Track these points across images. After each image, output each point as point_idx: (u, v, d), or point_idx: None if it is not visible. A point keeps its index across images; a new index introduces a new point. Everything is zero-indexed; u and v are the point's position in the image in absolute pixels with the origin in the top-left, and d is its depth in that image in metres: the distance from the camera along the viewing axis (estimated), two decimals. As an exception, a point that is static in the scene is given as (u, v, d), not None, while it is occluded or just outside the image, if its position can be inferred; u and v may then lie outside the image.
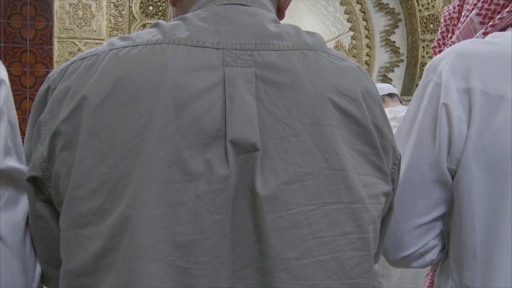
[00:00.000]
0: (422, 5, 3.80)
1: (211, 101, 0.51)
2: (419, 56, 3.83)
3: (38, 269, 0.63)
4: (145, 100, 0.50)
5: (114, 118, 0.50)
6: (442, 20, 0.95)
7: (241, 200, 0.51)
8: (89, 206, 0.49)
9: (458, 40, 0.85)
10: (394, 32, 3.98)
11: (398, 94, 2.43)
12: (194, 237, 0.49)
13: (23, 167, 0.61)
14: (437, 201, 0.76)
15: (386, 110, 2.21)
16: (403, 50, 3.98)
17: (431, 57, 3.82)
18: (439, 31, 0.96)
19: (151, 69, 0.51)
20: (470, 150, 0.69)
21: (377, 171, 0.58)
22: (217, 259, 0.50)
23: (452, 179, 0.74)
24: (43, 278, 0.64)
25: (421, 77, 3.86)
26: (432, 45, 0.97)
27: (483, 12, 0.81)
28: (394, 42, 3.98)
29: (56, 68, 0.57)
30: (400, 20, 3.96)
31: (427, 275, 0.87)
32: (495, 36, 0.75)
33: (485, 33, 0.79)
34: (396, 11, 3.95)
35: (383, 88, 2.34)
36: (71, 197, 0.50)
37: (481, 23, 0.82)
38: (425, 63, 3.82)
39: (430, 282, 0.84)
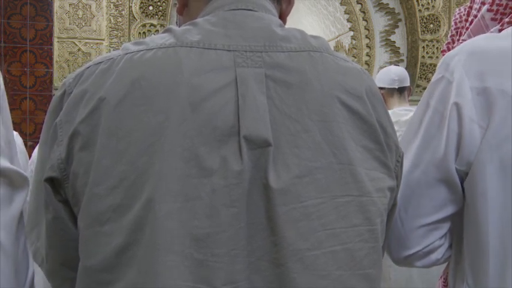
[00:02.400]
0: (422, 5, 3.80)
1: (224, 99, 0.54)
2: (419, 56, 3.83)
3: (31, 270, 0.62)
4: (161, 100, 0.52)
5: (132, 117, 0.52)
6: (452, 23, 0.94)
7: (255, 193, 0.53)
8: (108, 203, 0.51)
9: (470, 38, 0.83)
10: (394, 32, 3.98)
11: (409, 81, 2.34)
12: (211, 230, 0.51)
13: (15, 168, 0.61)
14: (442, 202, 0.74)
15: (390, 112, 2.18)
16: (403, 50, 3.98)
17: (431, 57, 3.82)
18: (450, 34, 0.95)
19: (166, 70, 0.54)
20: (485, 152, 0.67)
21: (382, 166, 0.60)
22: (234, 251, 0.51)
23: (462, 181, 0.72)
24: (53, 283, 0.63)
25: (421, 77, 3.87)
26: (442, 49, 0.96)
27: (494, 8, 0.80)
28: (394, 42, 3.98)
29: (71, 74, 0.59)
30: (400, 20, 3.96)
31: (441, 277, 0.86)
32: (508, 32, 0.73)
33: (500, 30, 0.78)
34: (396, 11, 3.95)
35: (394, 80, 2.27)
36: (90, 195, 0.52)
37: (493, 19, 0.80)
38: (425, 63, 3.83)
39: (443, 285, 0.83)
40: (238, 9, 0.61)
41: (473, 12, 0.84)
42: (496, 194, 0.68)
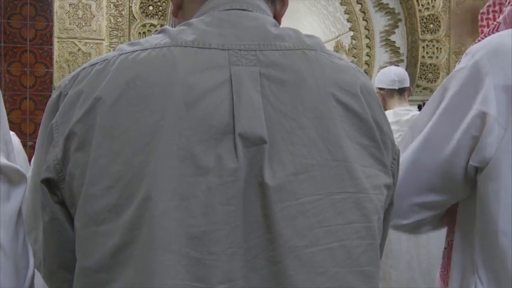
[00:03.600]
0: (422, 5, 3.80)
1: (219, 98, 0.54)
2: (419, 56, 3.83)
3: (31, 268, 0.62)
4: (156, 99, 0.53)
5: (127, 117, 0.52)
6: None
7: (251, 191, 0.53)
8: (104, 203, 0.51)
9: (505, 22, 0.80)
10: (394, 32, 3.98)
11: (409, 82, 2.36)
12: (207, 229, 0.51)
13: (13, 164, 0.61)
14: (438, 188, 0.76)
15: (390, 112, 2.18)
16: (403, 50, 3.98)
17: (431, 57, 3.82)
18: (487, 4, 0.90)
19: (161, 70, 0.54)
20: (503, 151, 0.66)
21: (378, 163, 0.60)
22: (230, 249, 0.51)
23: (470, 176, 0.72)
24: (51, 285, 0.64)
25: (421, 77, 3.87)
26: (481, 11, 0.90)
27: None
28: (394, 42, 3.98)
29: (67, 76, 0.59)
30: (400, 20, 3.96)
31: (440, 269, 0.86)
32: None
33: None
34: (396, 11, 3.95)
35: (394, 81, 2.27)
36: (86, 195, 0.52)
37: None
38: (425, 63, 3.83)
39: (444, 275, 0.83)
40: (232, 9, 0.61)
41: None
42: (509, 194, 0.67)
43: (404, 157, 0.77)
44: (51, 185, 0.56)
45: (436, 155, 0.73)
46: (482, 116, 0.68)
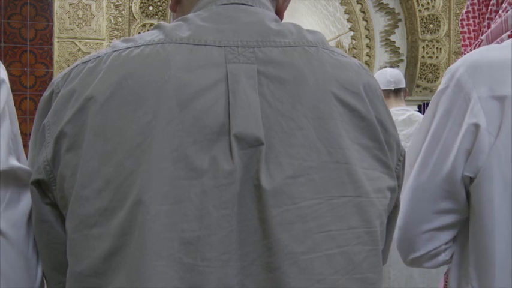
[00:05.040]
0: (422, 5, 3.80)
1: (214, 97, 0.51)
2: (419, 56, 3.83)
3: (41, 268, 0.63)
4: (149, 98, 0.50)
5: (119, 117, 0.50)
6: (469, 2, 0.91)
7: (246, 195, 0.50)
8: (95, 206, 0.49)
9: (487, 39, 0.82)
10: (394, 32, 3.98)
11: (404, 83, 2.38)
12: (201, 233, 0.49)
13: (23, 165, 0.61)
14: (445, 210, 0.75)
15: None
16: (403, 50, 3.98)
17: (431, 57, 3.82)
18: (469, 2, 0.91)
19: (154, 67, 0.52)
20: (494, 159, 0.68)
21: (381, 165, 0.57)
22: (225, 255, 0.49)
23: (467, 188, 0.73)
24: (47, 285, 0.64)
25: (420, 77, 3.87)
26: (461, 18, 0.92)
27: None
28: (394, 42, 3.98)
29: (59, 73, 0.57)
30: (400, 20, 3.96)
31: (444, 277, 0.86)
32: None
33: (510, 36, 0.77)
34: (396, 11, 3.95)
35: (390, 82, 2.28)
36: (77, 197, 0.50)
37: None
38: (425, 63, 3.83)
39: (445, 283, 0.83)
40: (231, 4, 0.59)
41: (506, 5, 0.81)
42: (503, 200, 0.68)
43: (405, 186, 0.77)
44: (42, 187, 0.55)
45: (436, 176, 0.74)
46: (474, 128, 0.69)
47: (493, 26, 0.82)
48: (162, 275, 0.47)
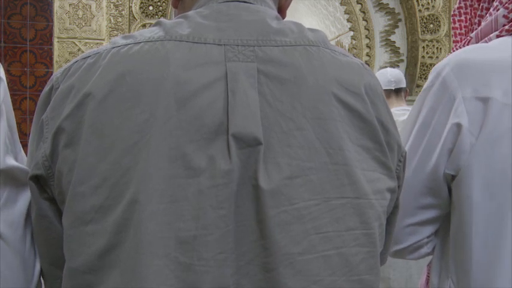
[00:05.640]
0: (422, 5, 3.80)
1: (213, 95, 0.51)
2: (419, 56, 3.83)
3: (38, 267, 0.62)
4: (147, 96, 0.50)
5: (117, 114, 0.50)
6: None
7: (244, 194, 0.50)
8: (91, 203, 0.49)
9: (476, 37, 0.82)
10: (394, 32, 3.98)
11: (405, 83, 2.38)
12: (197, 233, 0.49)
13: (20, 165, 0.61)
14: (426, 205, 0.77)
15: None
16: (403, 50, 3.98)
17: (431, 57, 3.82)
18: (457, 6, 0.92)
19: (153, 65, 0.52)
20: (474, 158, 0.69)
21: (381, 167, 0.57)
22: (221, 255, 0.49)
23: (449, 184, 0.75)
24: (45, 282, 0.64)
25: (421, 77, 3.87)
26: (452, 13, 0.93)
27: (511, 16, 0.77)
28: (394, 42, 3.98)
29: (60, 69, 0.57)
30: (400, 20, 3.96)
31: (426, 266, 0.88)
32: (500, 42, 0.75)
33: (498, 36, 0.77)
34: (396, 11, 3.95)
35: (390, 81, 2.28)
36: (73, 194, 0.50)
37: (505, 16, 0.78)
38: (425, 63, 3.82)
39: (427, 274, 0.85)
40: (232, 1, 0.58)
41: (497, 4, 0.81)
42: (482, 198, 0.70)
43: None
44: (41, 182, 0.55)
45: (419, 173, 0.76)
46: (456, 128, 0.70)
47: (483, 24, 0.82)
48: (158, 274, 0.47)
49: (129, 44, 0.54)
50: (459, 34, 0.91)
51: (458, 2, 0.92)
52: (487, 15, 0.82)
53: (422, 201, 0.77)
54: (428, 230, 0.80)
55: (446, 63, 0.74)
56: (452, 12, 0.93)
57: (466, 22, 0.90)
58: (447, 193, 0.76)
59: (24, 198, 0.60)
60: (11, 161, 0.60)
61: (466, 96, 0.70)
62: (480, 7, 0.86)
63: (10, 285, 0.58)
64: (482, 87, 0.70)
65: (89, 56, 0.55)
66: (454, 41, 0.92)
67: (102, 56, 0.54)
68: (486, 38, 0.80)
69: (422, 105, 0.76)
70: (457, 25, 0.91)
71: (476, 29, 0.85)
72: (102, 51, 0.54)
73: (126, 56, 0.53)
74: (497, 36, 0.78)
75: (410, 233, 0.79)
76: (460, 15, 0.91)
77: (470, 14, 0.89)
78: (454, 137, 0.71)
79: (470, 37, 0.84)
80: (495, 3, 0.81)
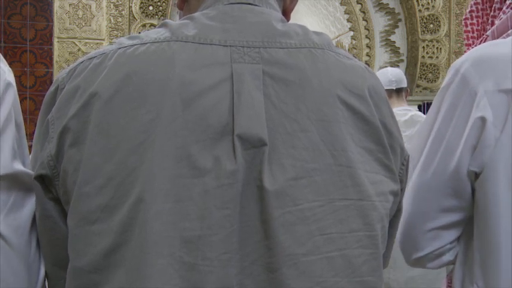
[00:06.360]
0: (422, 5, 3.79)
1: (218, 96, 0.51)
2: (419, 56, 3.83)
3: (42, 272, 0.62)
4: (152, 96, 0.51)
5: (122, 114, 0.50)
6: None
7: (249, 195, 0.50)
8: (97, 203, 0.50)
9: (493, 35, 0.81)
10: (394, 32, 3.98)
11: (406, 83, 2.36)
12: (202, 233, 0.49)
13: (27, 169, 0.61)
14: (450, 207, 0.75)
15: None
16: (403, 50, 3.98)
17: (431, 57, 3.82)
18: (473, 1, 0.91)
19: (159, 65, 0.52)
20: (499, 153, 0.67)
21: (384, 169, 0.57)
22: (225, 255, 0.49)
23: (472, 184, 0.72)
24: (49, 282, 0.64)
25: (421, 77, 3.87)
26: (464, 17, 0.92)
27: None
28: (394, 42, 3.98)
29: (65, 69, 0.57)
30: (400, 20, 3.96)
31: (446, 277, 0.85)
32: None
33: None
34: (396, 11, 3.95)
35: (391, 81, 2.26)
36: (79, 193, 0.51)
37: None
38: (425, 63, 3.82)
39: (448, 285, 0.82)
40: (237, 3, 0.59)
41: (504, 7, 0.81)
42: (508, 195, 0.67)
43: (409, 185, 0.76)
44: (45, 182, 0.55)
45: (441, 173, 0.73)
46: (481, 122, 0.68)
47: (497, 22, 0.81)
48: (162, 274, 0.48)
49: (135, 45, 0.54)
50: (471, 37, 0.90)
51: (469, 6, 0.92)
52: (501, 13, 0.82)
53: (446, 203, 0.74)
54: (452, 234, 0.76)
55: (464, 60, 0.73)
56: (464, 16, 0.92)
57: (478, 26, 0.90)
58: (470, 194, 0.73)
59: (31, 203, 0.60)
60: (18, 166, 0.60)
61: (488, 89, 0.68)
62: (492, 8, 0.85)
63: None
64: (504, 80, 0.68)
65: (94, 57, 0.55)
66: (466, 44, 0.91)
67: (109, 57, 0.54)
68: (504, 35, 0.79)
69: (441, 103, 0.74)
70: (469, 28, 0.91)
71: (490, 29, 0.84)
72: (108, 52, 0.54)
73: (132, 57, 0.53)
74: None
75: (433, 238, 0.76)
76: (472, 19, 0.90)
77: (482, 18, 0.89)
78: (478, 132, 0.68)
79: (486, 35, 0.83)
80: (508, 1, 0.80)
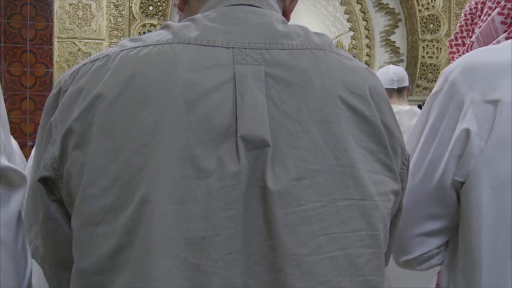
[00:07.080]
0: (422, 5, 3.79)
1: (221, 98, 0.52)
2: (419, 56, 3.83)
3: (29, 267, 0.63)
4: (156, 98, 0.51)
5: (126, 116, 0.51)
6: (462, 15, 0.93)
7: (252, 196, 0.51)
8: (101, 204, 0.50)
9: (478, 40, 0.83)
10: (394, 32, 3.97)
11: (408, 81, 2.34)
12: (206, 234, 0.49)
13: (13, 165, 0.61)
14: (436, 214, 0.76)
15: None
16: (403, 50, 3.98)
17: (431, 57, 3.82)
18: (458, 25, 0.94)
19: (162, 67, 0.52)
20: (483, 163, 0.68)
21: (386, 169, 0.58)
22: (230, 256, 0.50)
23: (458, 192, 0.73)
24: (51, 283, 0.64)
25: (421, 77, 3.87)
26: (449, 39, 0.95)
27: (505, 11, 0.78)
28: (394, 42, 3.98)
29: (67, 71, 0.57)
30: (400, 20, 3.96)
31: (437, 273, 0.86)
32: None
33: (508, 38, 0.77)
34: (396, 11, 3.95)
35: (393, 80, 2.25)
36: (83, 195, 0.51)
37: (503, 23, 0.79)
38: (425, 63, 3.82)
39: (437, 283, 0.83)
40: (239, 5, 0.59)
41: (487, 10, 0.82)
42: (491, 205, 0.68)
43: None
44: (49, 184, 0.55)
45: (427, 181, 0.74)
46: (466, 133, 0.69)
47: (481, 25, 0.82)
48: (166, 275, 0.48)
49: (138, 47, 0.54)
50: (455, 45, 0.92)
51: (455, 29, 0.95)
52: (479, 21, 0.83)
53: (430, 211, 0.75)
54: (437, 241, 0.77)
55: (454, 67, 0.73)
56: (449, 38, 0.95)
57: (463, 46, 0.92)
58: (456, 202, 0.74)
59: (17, 198, 0.61)
60: (4, 162, 0.60)
61: (474, 100, 0.69)
62: (474, 22, 0.88)
63: (2, 286, 0.58)
64: (491, 90, 0.68)
65: (97, 59, 0.55)
66: (450, 53, 0.94)
67: (112, 59, 0.54)
68: (494, 41, 0.80)
69: (430, 111, 0.75)
70: (454, 49, 0.93)
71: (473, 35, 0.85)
72: (111, 54, 0.55)
73: (136, 59, 0.53)
74: (506, 38, 0.77)
75: (420, 243, 0.77)
76: (457, 40, 0.93)
77: (467, 37, 0.91)
78: (463, 143, 0.69)
79: (472, 41, 0.84)
80: (485, 10, 0.82)
